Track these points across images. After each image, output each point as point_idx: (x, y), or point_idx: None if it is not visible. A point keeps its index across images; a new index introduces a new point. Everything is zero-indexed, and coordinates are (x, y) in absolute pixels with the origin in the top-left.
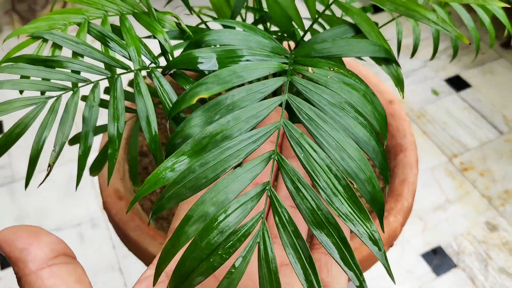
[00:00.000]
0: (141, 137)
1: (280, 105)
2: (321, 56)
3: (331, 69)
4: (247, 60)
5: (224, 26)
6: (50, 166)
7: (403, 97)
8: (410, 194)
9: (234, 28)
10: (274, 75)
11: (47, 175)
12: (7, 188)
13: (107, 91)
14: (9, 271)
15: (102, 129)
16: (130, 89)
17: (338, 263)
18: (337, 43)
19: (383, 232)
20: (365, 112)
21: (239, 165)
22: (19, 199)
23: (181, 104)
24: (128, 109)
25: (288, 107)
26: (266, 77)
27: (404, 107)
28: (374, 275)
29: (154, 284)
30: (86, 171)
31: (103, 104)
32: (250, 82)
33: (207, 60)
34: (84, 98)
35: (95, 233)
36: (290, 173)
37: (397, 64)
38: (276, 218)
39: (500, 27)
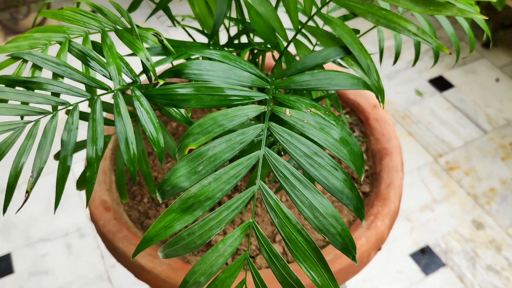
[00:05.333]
0: None
1: (257, 162)
2: (300, 89)
3: (308, 110)
4: (227, 96)
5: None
6: (28, 192)
7: (382, 107)
8: (397, 197)
9: (214, 59)
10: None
11: (25, 201)
12: None
13: (83, 116)
14: (5, 279)
15: (83, 145)
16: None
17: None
18: (316, 76)
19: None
20: (340, 156)
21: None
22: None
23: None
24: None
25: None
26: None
27: (389, 108)
28: (365, 277)
29: None
30: (73, 184)
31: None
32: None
33: (186, 96)
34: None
35: (83, 243)
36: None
37: (379, 85)
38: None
39: (480, 28)
